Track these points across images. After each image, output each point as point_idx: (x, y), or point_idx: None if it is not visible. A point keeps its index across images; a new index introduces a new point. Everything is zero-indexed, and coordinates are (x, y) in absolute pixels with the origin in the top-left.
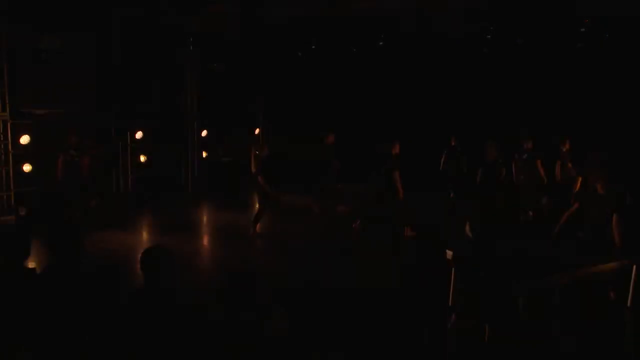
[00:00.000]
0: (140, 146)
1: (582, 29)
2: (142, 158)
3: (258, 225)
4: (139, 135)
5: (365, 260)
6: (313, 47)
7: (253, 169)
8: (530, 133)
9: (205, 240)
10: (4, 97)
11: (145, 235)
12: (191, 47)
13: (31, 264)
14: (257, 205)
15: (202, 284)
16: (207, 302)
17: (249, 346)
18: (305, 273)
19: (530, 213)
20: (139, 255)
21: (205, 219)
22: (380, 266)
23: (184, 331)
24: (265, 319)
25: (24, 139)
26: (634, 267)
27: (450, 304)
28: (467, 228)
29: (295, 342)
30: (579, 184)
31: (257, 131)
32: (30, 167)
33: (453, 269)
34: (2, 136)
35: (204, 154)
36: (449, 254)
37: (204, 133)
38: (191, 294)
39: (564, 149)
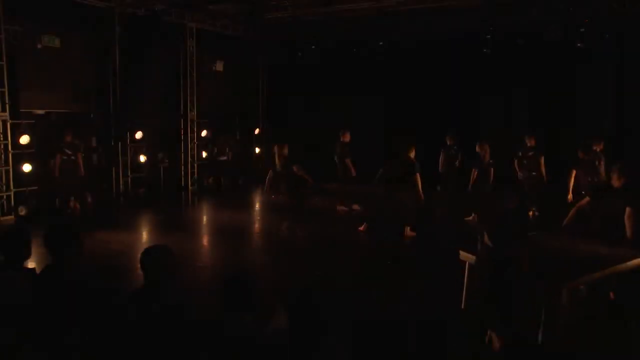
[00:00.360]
0: (140, 146)
1: (582, 29)
2: (142, 158)
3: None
4: (138, 135)
5: (368, 261)
6: (313, 47)
7: (279, 167)
8: (531, 132)
9: (205, 240)
10: (4, 97)
11: (145, 235)
12: (191, 47)
13: (31, 264)
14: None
15: (202, 284)
16: (207, 303)
17: (248, 346)
18: (306, 273)
19: (530, 212)
20: (139, 255)
21: (205, 219)
22: (382, 266)
23: (183, 331)
24: (264, 319)
25: (24, 139)
26: None
27: (462, 307)
28: (486, 238)
29: (296, 342)
30: (572, 178)
31: (257, 131)
32: (30, 167)
33: (467, 272)
34: (2, 136)
35: (204, 154)
36: (464, 255)
37: (204, 133)
38: (191, 294)
39: (598, 150)
